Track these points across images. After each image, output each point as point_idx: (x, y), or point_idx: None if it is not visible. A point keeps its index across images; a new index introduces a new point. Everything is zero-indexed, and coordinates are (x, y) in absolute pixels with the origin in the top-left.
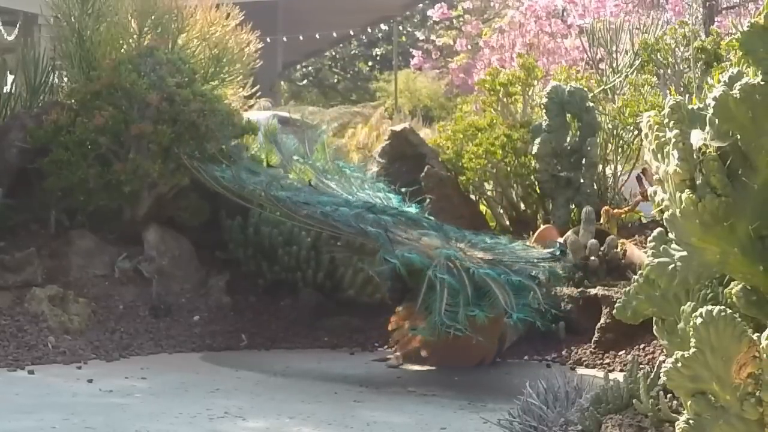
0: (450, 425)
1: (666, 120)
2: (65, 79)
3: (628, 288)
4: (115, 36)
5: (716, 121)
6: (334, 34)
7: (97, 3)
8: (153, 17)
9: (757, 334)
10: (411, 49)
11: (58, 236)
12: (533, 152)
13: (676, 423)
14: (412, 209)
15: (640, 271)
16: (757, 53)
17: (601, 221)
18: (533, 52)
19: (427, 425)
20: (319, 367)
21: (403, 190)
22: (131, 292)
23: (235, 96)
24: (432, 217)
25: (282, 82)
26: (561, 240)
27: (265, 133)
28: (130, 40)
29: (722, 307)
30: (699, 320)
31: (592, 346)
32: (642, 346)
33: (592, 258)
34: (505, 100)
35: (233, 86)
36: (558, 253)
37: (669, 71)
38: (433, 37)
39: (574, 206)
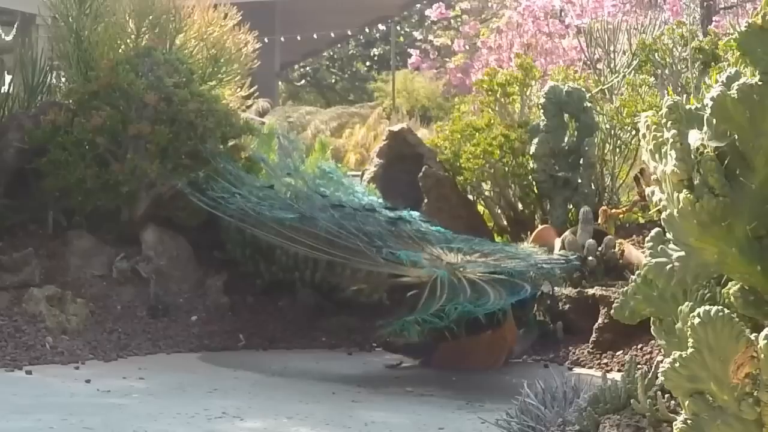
0: (448, 425)
1: (664, 120)
2: (63, 80)
3: (625, 288)
4: (112, 36)
5: (714, 121)
6: (332, 35)
7: (95, 3)
8: (151, 17)
9: (754, 334)
10: (409, 49)
11: (56, 236)
12: (531, 152)
13: (674, 423)
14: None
15: (637, 271)
16: (755, 53)
17: (599, 221)
18: (531, 52)
19: (425, 425)
20: (317, 367)
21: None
22: (129, 293)
23: (233, 96)
24: (439, 227)
25: (280, 83)
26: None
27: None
28: (128, 41)
29: (720, 307)
30: (697, 320)
31: (590, 347)
32: (640, 346)
33: (590, 258)
34: (502, 100)
35: (231, 86)
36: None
37: (667, 71)
38: (430, 37)
39: (571, 206)
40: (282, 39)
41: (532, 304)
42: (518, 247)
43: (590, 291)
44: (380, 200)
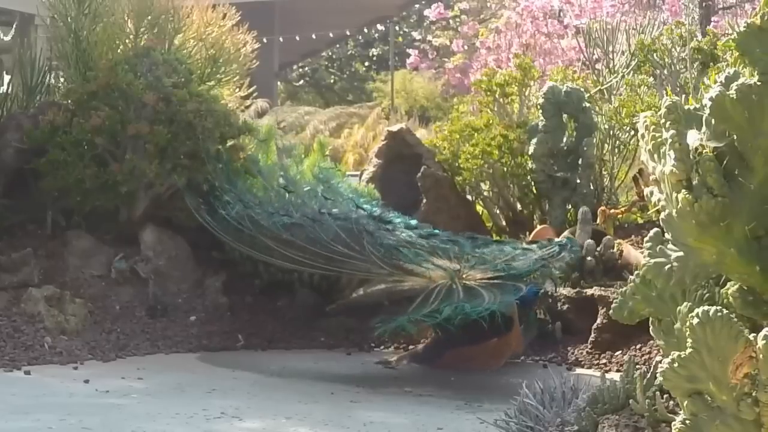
0: (447, 425)
1: (662, 120)
2: (62, 80)
3: (624, 288)
4: (111, 36)
5: (713, 121)
6: (331, 35)
7: (94, 3)
8: (149, 17)
9: (753, 335)
10: (407, 50)
11: (55, 236)
12: (530, 152)
13: (673, 423)
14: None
15: (636, 272)
16: (754, 53)
17: (598, 221)
18: (530, 52)
19: (424, 425)
20: (315, 367)
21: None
22: (128, 293)
23: (231, 96)
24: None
25: (279, 83)
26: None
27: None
28: (127, 41)
29: (719, 307)
30: (695, 320)
31: (589, 347)
32: (638, 346)
33: (589, 258)
34: (501, 100)
35: (230, 87)
36: (565, 246)
37: (665, 72)
38: (429, 37)
39: (570, 206)
40: (281, 39)
41: (535, 302)
42: (515, 246)
43: (589, 291)
44: (376, 208)
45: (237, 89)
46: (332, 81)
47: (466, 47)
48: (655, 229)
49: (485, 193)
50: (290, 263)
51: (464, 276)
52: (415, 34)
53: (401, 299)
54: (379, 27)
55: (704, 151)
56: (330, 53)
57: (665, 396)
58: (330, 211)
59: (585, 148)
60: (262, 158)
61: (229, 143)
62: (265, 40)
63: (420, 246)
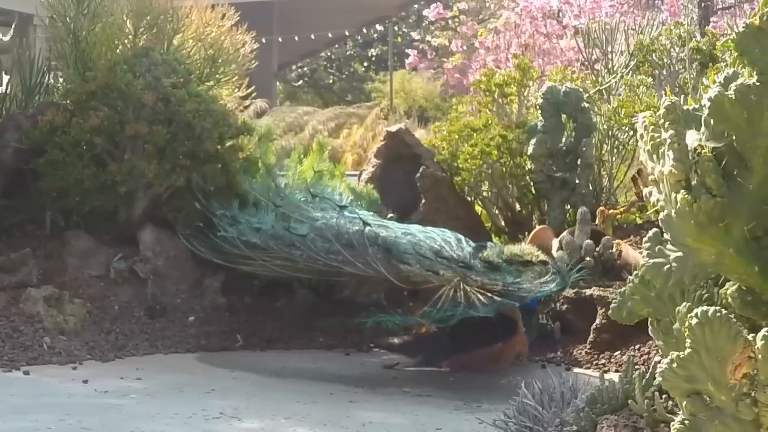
0: (446, 426)
1: (661, 120)
2: (60, 80)
3: (623, 288)
4: (110, 36)
5: (711, 121)
6: (330, 35)
7: (93, 3)
8: (148, 18)
9: (752, 335)
10: (406, 50)
11: (54, 237)
12: (528, 153)
13: (672, 423)
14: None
15: (635, 272)
16: (753, 54)
17: (597, 222)
18: (528, 52)
19: (423, 426)
20: (314, 367)
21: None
22: (127, 293)
23: (230, 96)
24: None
25: (278, 83)
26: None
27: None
28: (126, 41)
29: (717, 307)
30: (694, 321)
31: (588, 347)
32: (637, 346)
33: (588, 259)
34: (500, 100)
35: (229, 87)
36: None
37: (664, 72)
38: (428, 37)
39: (569, 207)
40: (280, 39)
41: (538, 307)
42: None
43: (588, 291)
44: (376, 224)
45: (236, 89)
46: (331, 81)
47: (465, 47)
48: (654, 230)
49: (484, 194)
50: (287, 274)
51: (469, 284)
52: (414, 35)
53: (402, 300)
54: (378, 27)
55: (703, 151)
56: (329, 53)
57: (664, 396)
58: (335, 231)
59: (584, 149)
60: (260, 159)
61: (228, 143)
62: (264, 41)
63: (424, 257)
